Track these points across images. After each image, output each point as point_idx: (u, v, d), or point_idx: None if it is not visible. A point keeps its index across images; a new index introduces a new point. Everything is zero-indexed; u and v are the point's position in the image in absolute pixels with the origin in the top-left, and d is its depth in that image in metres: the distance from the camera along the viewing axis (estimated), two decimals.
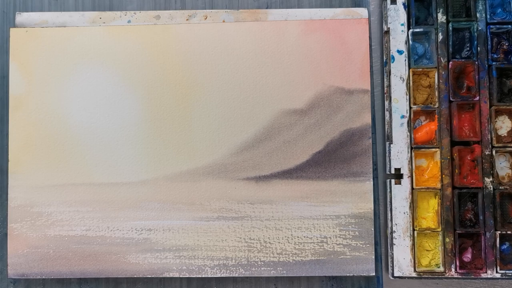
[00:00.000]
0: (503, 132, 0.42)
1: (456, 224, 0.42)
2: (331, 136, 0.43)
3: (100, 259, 0.43)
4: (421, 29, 0.43)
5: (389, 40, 0.43)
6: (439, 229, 0.42)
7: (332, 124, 0.43)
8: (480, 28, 0.42)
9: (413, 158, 0.42)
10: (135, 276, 0.42)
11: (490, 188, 0.42)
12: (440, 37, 0.43)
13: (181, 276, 0.43)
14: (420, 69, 0.43)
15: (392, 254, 0.42)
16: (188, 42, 0.43)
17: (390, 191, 0.42)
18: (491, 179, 0.42)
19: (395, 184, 0.42)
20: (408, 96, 0.43)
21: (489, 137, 0.42)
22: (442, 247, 0.42)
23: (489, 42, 0.42)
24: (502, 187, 0.42)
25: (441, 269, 0.41)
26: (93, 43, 0.43)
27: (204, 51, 0.43)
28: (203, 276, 0.43)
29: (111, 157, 0.43)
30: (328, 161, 0.43)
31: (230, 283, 0.44)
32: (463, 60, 0.42)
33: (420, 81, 0.43)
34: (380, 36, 0.45)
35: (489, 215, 0.41)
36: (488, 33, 0.42)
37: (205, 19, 0.44)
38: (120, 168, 0.43)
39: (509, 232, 0.41)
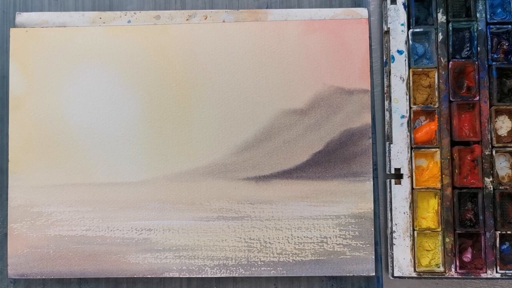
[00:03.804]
0: (503, 132, 0.42)
1: (456, 224, 0.42)
2: (331, 136, 0.43)
3: (100, 259, 0.43)
4: (421, 29, 0.43)
5: (389, 40, 0.43)
6: (439, 229, 0.42)
7: (332, 124, 0.43)
8: (480, 28, 0.42)
9: (413, 158, 0.42)
10: (135, 276, 0.42)
11: (490, 188, 0.42)
12: (440, 37, 0.42)
13: (181, 276, 0.43)
14: (420, 69, 0.43)
15: (392, 254, 0.42)
16: (188, 42, 0.43)
17: (390, 191, 0.42)
18: (491, 179, 0.42)
19: (395, 184, 0.42)
20: (408, 96, 0.43)
21: (489, 137, 0.42)
22: (442, 247, 0.42)
23: (489, 42, 0.42)
24: (502, 187, 0.42)
25: (441, 269, 0.41)
26: (93, 43, 0.43)
27: (204, 51, 0.43)
28: (203, 276, 0.43)
29: (111, 157, 0.43)
30: (328, 161, 0.43)
31: (230, 283, 0.44)
32: (463, 60, 0.42)
33: (420, 81, 0.43)
34: (380, 36, 0.45)
35: (489, 215, 0.41)
36: (488, 33, 0.42)
37: (205, 19, 0.44)
38: (120, 168, 0.43)
39: (509, 232, 0.41)
